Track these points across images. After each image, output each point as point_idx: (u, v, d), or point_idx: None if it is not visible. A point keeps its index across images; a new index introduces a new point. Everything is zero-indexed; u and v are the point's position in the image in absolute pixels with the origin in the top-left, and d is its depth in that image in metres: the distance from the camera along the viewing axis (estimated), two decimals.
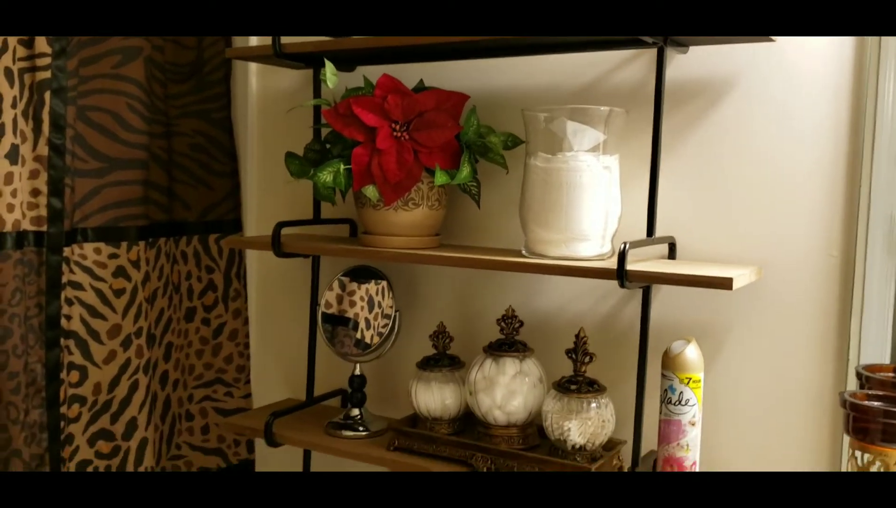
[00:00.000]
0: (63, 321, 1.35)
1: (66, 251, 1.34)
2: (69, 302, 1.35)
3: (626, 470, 1.17)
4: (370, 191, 1.22)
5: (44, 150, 1.29)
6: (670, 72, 1.19)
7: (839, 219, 1.11)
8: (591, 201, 1.12)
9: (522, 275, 1.34)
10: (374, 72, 1.30)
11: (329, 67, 1.21)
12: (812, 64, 1.12)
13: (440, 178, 1.19)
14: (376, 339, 1.37)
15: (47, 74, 1.28)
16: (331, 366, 1.51)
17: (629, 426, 1.18)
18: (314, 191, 1.27)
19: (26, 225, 1.28)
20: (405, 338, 1.43)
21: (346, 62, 1.40)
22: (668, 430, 1.10)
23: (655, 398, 1.14)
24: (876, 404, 0.97)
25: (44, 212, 1.30)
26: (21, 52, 1.26)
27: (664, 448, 1.10)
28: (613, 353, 1.27)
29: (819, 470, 1.14)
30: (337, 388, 1.51)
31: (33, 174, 1.29)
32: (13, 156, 1.25)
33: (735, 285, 1.00)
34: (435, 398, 1.27)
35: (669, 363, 1.10)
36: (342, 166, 1.22)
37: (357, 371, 1.40)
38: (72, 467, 1.37)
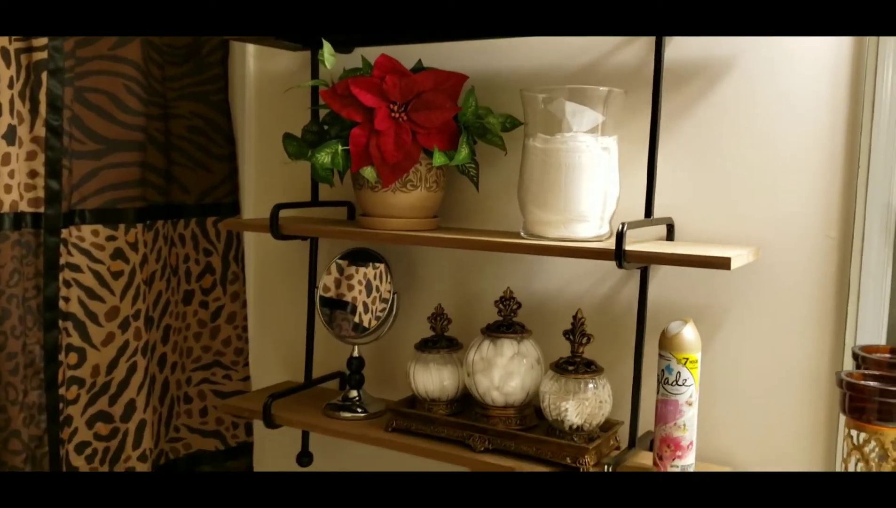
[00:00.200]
0: (61, 303, 1.35)
1: (64, 233, 1.34)
2: (67, 284, 1.35)
3: (622, 450, 1.17)
4: (368, 172, 1.22)
5: (41, 131, 1.29)
6: (669, 53, 1.18)
7: (837, 200, 1.11)
8: (589, 181, 1.12)
9: (521, 257, 1.35)
10: (372, 53, 1.29)
11: (327, 48, 1.21)
12: (811, 45, 1.11)
13: (438, 159, 1.19)
14: (374, 323, 1.37)
15: (44, 55, 1.28)
16: (329, 348, 1.51)
17: (626, 406, 1.19)
18: (312, 172, 1.26)
19: (24, 206, 1.28)
20: (403, 320, 1.43)
21: (343, 43, 1.39)
22: (665, 410, 1.10)
23: (653, 378, 1.15)
24: (872, 383, 0.98)
25: (41, 193, 1.30)
26: None
27: (661, 427, 1.11)
28: (611, 334, 1.27)
29: (815, 449, 1.15)
30: (335, 370, 1.52)
31: (30, 155, 1.29)
32: (10, 137, 1.24)
33: (733, 266, 1.00)
34: (433, 379, 1.27)
35: (667, 343, 1.10)
36: (340, 147, 1.22)
37: (355, 353, 1.40)
38: (70, 448, 1.38)
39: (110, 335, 1.40)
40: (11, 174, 1.24)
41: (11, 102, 1.25)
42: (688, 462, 1.11)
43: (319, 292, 1.41)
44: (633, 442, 1.17)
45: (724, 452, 1.20)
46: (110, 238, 1.39)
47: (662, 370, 1.10)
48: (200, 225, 1.56)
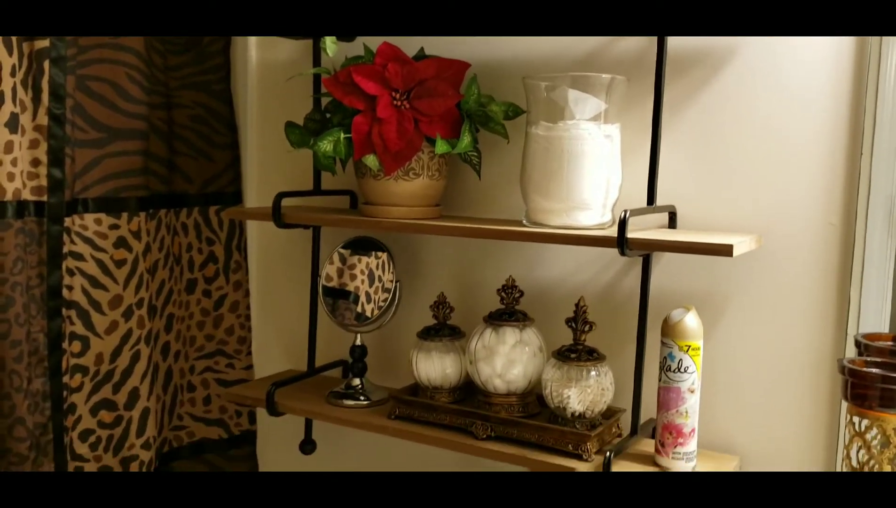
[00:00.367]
0: (64, 292, 1.35)
1: (67, 222, 1.34)
2: (70, 272, 1.35)
3: (624, 437, 1.17)
4: (370, 160, 1.22)
5: (43, 119, 1.29)
6: (672, 41, 1.18)
7: (840, 187, 1.11)
8: (592, 169, 1.12)
9: (523, 245, 1.35)
10: (374, 41, 1.29)
11: (329, 36, 1.21)
12: None
13: (441, 147, 1.19)
14: (377, 312, 1.38)
15: (46, 43, 1.28)
16: (332, 337, 1.52)
17: (628, 394, 1.19)
18: (314, 161, 1.27)
19: (27, 195, 1.28)
20: (406, 308, 1.43)
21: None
22: (668, 397, 1.11)
23: (655, 366, 1.15)
24: (874, 370, 0.98)
25: (44, 182, 1.30)
26: None
27: (663, 414, 1.11)
28: (613, 322, 1.27)
29: (817, 437, 1.15)
30: (338, 359, 1.52)
31: (33, 144, 1.29)
32: (13, 125, 1.24)
33: (735, 253, 1.00)
34: (435, 367, 1.28)
35: (669, 330, 1.10)
36: (342, 135, 1.22)
37: (358, 341, 1.41)
38: (75, 436, 1.39)
39: (114, 324, 1.40)
40: (14, 162, 1.25)
41: (14, 90, 1.25)
42: (690, 449, 1.11)
43: (322, 281, 1.42)
44: (635, 430, 1.17)
45: (725, 439, 1.21)
46: (113, 227, 1.39)
47: (664, 358, 1.11)
48: (203, 214, 1.56)
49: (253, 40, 1.56)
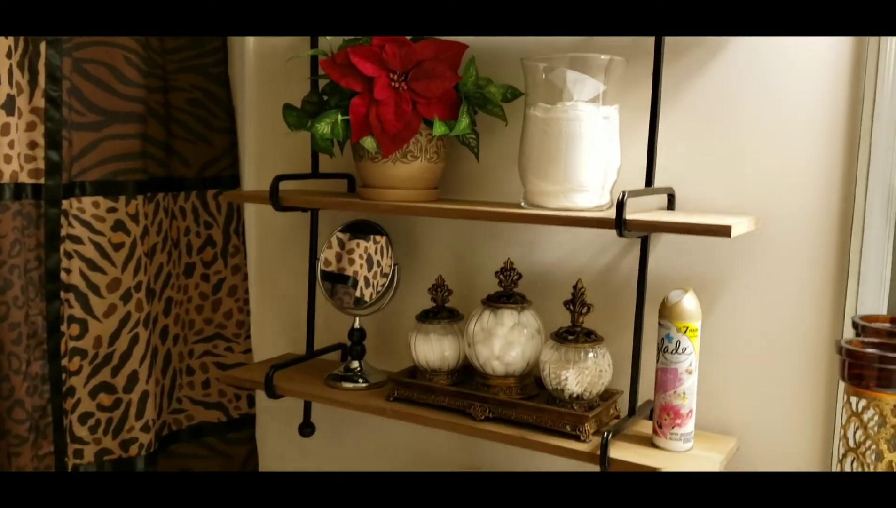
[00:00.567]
0: (62, 275, 1.35)
1: (65, 205, 1.34)
2: (68, 256, 1.35)
3: (622, 419, 1.18)
4: (368, 142, 1.21)
5: (40, 102, 1.29)
6: None
7: (838, 169, 1.11)
8: (590, 151, 1.12)
9: (521, 228, 1.35)
10: None
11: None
12: None
13: (438, 128, 1.19)
14: (375, 296, 1.38)
15: None
16: (330, 320, 1.52)
17: (626, 377, 1.19)
18: (312, 143, 1.26)
19: (24, 177, 1.28)
20: (404, 291, 1.43)
21: None
22: (665, 378, 1.11)
23: (653, 348, 1.15)
24: (871, 350, 0.98)
25: (41, 165, 1.30)
26: None
27: (661, 395, 1.11)
28: (611, 305, 1.27)
29: (815, 418, 1.16)
30: (336, 342, 1.52)
31: (30, 126, 1.28)
32: (9, 107, 1.24)
33: (733, 233, 1.00)
34: (434, 349, 1.28)
35: (667, 312, 1.10)
36: (340, 117, 1.21)
37: (356, 325, 1.41)
38: (74, 419, 1.39)
39: (112, 307, 1.40)
40: (11, 145, 1.24)
41: (10, 71, 1.24)
42: (687, 429, 1.11)
43: (321, 265, 1.42)
44: (632, 411, 1.17)
45: (723, 420, 1.21)
46: (111, 210, 1.39)
47: (662, 339, 1.11)
48: (201, 198, 1.56)
49: None
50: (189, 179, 1.54)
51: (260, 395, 1.64)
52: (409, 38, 1.24)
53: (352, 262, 1.40)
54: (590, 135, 1.11)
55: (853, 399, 1.01)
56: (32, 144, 1.29)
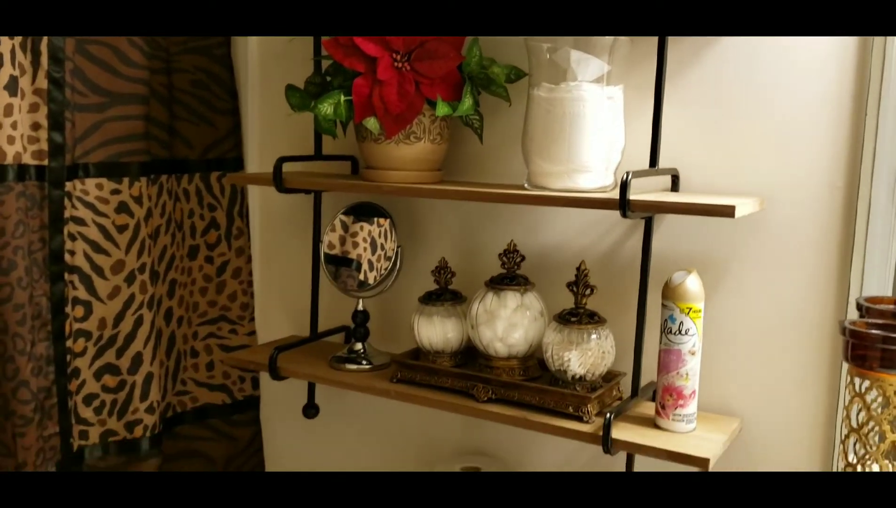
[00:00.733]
0: (66, 257, 1.35)
1: (68, 186, 1.34)
2: (72, 237, 1.36)
3: (625, 400, 1.18)
4: (371, 123, 1.21)
5: (43, 83, 1.28)
6: None
7: (844, 149, 1.10)
8: (593, 131, 1.11)
9: (524, 210, 1.34)
10: None
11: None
12: None
13: (441, 109, 1.18)
14: (378, 279, 1.38)
15: None
16: (334, 303, 1.52)
17: (630, 359, 1.19)
18: (315, 124, 1.26)
19: (27, 159, 1.28)
20: (407, 274, 1.43)
21: None
22: (668, 359, 1.11)
23: (656, 330, 1.15)
24: (875, 331, 0.98)
25: (45, 146, 1.30)
26: None
27: (664, 377, 1.11)
28: (615, 286, 1.27)
29: (818, 400, 1.15)
30: (340, 325, 1.52)
31: (33, 108, 1.28)
32: (12, 87, 1.24)
33: (737, 214, 0.99)
34: (437, 331, 1.28)
35: (670, 293, 1.10)
36: (342, 98, 1.21)
37: (360, 307, 1.41)
38: (79, 400, 1.40)
39: (116, 289, 1.41)
40: (14, 126, 1.24)
41: (13, 52, 1.24)
42: (690, 411, 1.11)
43: (324, 248, 1.42)
44: (635, 392, 1.17)
45: (726, 401, 1.21)
46: (114, 192, 1.39)
47: (665, 320, 1.11)
48: (204, 180, 1.55)
49: None
50: (192, 161, 1.53)
51: (264, 377, 1.64)
52: None
53: (355, 245, 1.40)
54: (594, 115, 1.11)
55: (856, 380, 1.00)
56: (36, 126, 1.29)
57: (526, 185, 1.18)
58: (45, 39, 1.28)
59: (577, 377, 1.16)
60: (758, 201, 1.11)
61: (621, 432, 1.10)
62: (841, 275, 1.12)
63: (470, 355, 1.30)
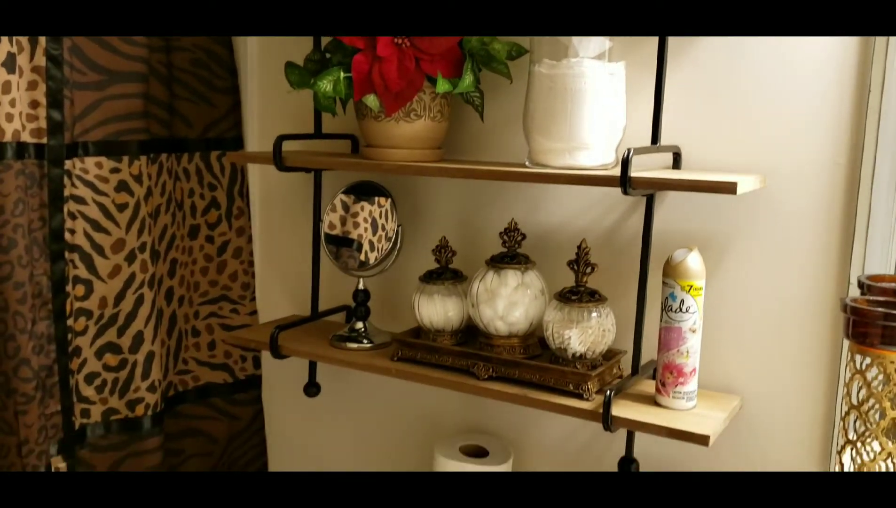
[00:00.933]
0: (67, 235, 1.35)
1: (68, 165, 1.34)
2: (72, 216, 1.35)
3: (625, 377, 1.18)
4: (371, 100, 1.20)
5: (41, 60, 1.28)
6: None
7: (846, 125, 1.10)
8: (595, 108, 1.10)
9: (525, 188, 1.34)
10: None
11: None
12: None
13: (442, 86, 1.18)
14: (379, 258, 1.37)
15: None
16: (335, 281, 1.52)
17: (630, 337, 1.19)
18: (314, 101, 1.25)
19: (26, 137, 1.27)
20: (408, 253, 1.43)
21: None
22: (669, 337, 1.11)
23: (658, 309, 1.14)
24: (877, 308, 0.97)
25: (43, 124, 1.29)
26: None
27: (664, 354, 1.11)
28: (616, 265, 1.27)
29: (818, 377, 1.15)
30: (341, 304, 1.52)
31: (31, 85, 1.28)
32: (10, 65, 1.23)
33: (739, 191, 0.99)
34: (437, 310, 1.28)
35: (671, 271, 1.10)
36: (342, 74, 1.20)
37: (361, 286, 1.41)
38: (80, 379, 1.40)
39: (116, 268, 1.40)
40: (13, 103, 1.24)
41: None
42: (690, 388, 1.11)
43: (325, 228, 1.41)
44: (636, 370, 1.17)
45: (727, 379, 1.21)
46: (114, 170, 1.39)
47: (666, 298, 1.10)
48: (204, 159, 1.55)
49: None
50: (192, 140, 1.53)
51: (266, 356, 1.64)
52: None
53: (356, 225, 1.40)
54: (595, 92, 1.10)
55: (857, 357, 1.00)
56: (34, 104, 1.28)
57: (527, 163, 1.17)
58: None
59: (578, 355, 1.16)
60: (760, 178, 1.11)
61: (621, 409, 1.10)
62: (842, 253, 1.12)
63: (470, 333, 1.30)
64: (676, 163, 1.19)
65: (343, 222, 1.41)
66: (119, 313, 1.42)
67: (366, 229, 1.39)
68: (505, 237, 1.25)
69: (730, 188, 0.99)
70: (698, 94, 1.18)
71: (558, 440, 1.38)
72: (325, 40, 1.31)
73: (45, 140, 1.30)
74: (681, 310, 1.09)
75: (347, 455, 1.62)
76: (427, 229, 1.44)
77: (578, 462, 1.36)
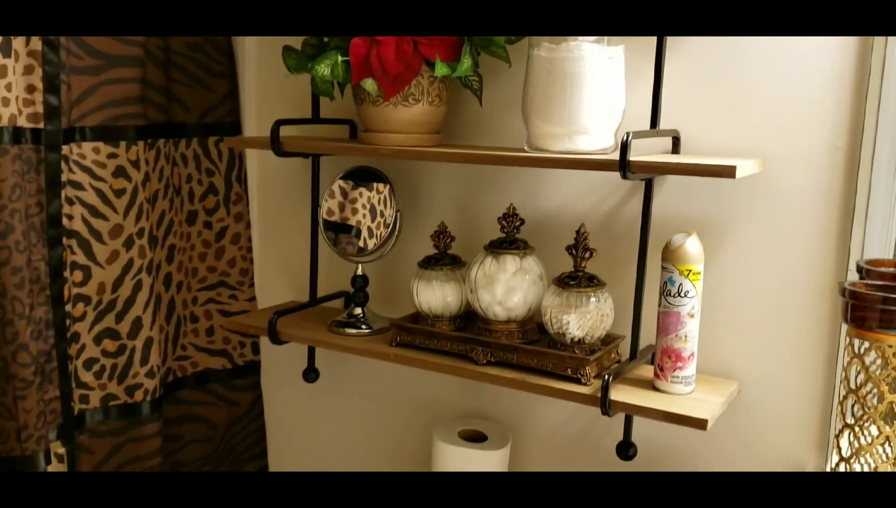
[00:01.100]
0: (64, 221, 1.35)
1: (65, 150, 1.33)
2: (70, 201, 1.35)
3: (623, 362, 1.18)
4: (369, 84, 1.20)
5: (37, 44, 1.27)
6: None
7: (846, 109, 1.09)
8: (594, 92, 1.10)
9: (524, 173, 1.33)
10: None
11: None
12: None
13: (440, 69, 1.17)
14: (378, 244, 1.37)
15: None
16: (333, 267, 1.52)
17: (628, 322, 1.19)
18: (312, 86, 1.24)
19: (23, 122, 1.27)
20: (406, 238, 1.43)
21: None
22: (667, 321, 1.10)
23: (656, 294, 1.14)
24: (875, 292, 0.97)
25: (40, 109, 1.29)
26: None
27: (662, 339, 1.11)
28: (615, 250, 1.26)
29: (817, 362, 1.15)
30: (339, 290, 1.52)
31: (27, 70, 1.27)
32: (6, 49, 1.22)
33: (738, 175, 0.98)
34: (436, 295, 1.28)
35: (669, 255, 1.10)
36: (340, 58, 1.19)
37: (359, 271, 1.41)
38: (79, 364, 1.40)
39: (114, 253, 1.40)
40: (9, 87, 1.23)
41: None
42: (688, 373, 1.11)
43: (323, 215, 1.41)
44: (634, 355, 1.17)
45: (725, 364, 1.21)
46: (111, 156, 1.38)
47: (665, 283, 1.10)
48: (202, 145, 1.54)
49: None
50: (189, 125, 1.52)
51: (265, 342, 1.64)
52: None
53: (355, 212, 1.39)
54: (594, 75, 1.10)
55: (856, 342, 1.00)
56: (31, 88, 1.27)
57: (526, 147, 1.17)
58: None
59: (576, 339, 1.16)
60: (759, 162, 1.10)
61: (619, 393, 1.11)
62: (841, 237, 1.12)
63: (469, 319, 1.30)
64: (675, 147, 1.19)
65: (342, 208, 1.40)
66: (117, 299, 1.42)
67: (364, 216, 1.39)
68: (503, 223, 1.25)
69: (729, 172, 0.98)
70: (697, 78, 1.18)
71: (557, 424, 1.38)
72: None
73: (41, 125, 1.29)
74: (679, 294, 1.09)
75: (346, 440, 1.62)
76: (425, 214, 1.43)
77: (577, 446, 1.36)
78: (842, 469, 1.04)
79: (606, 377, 1.09)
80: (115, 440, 1.45)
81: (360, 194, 1.39)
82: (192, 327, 1.59)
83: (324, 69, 1.20)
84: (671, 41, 1.16)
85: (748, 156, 1.14)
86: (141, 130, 1.41)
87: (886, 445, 1.01)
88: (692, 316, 1.10)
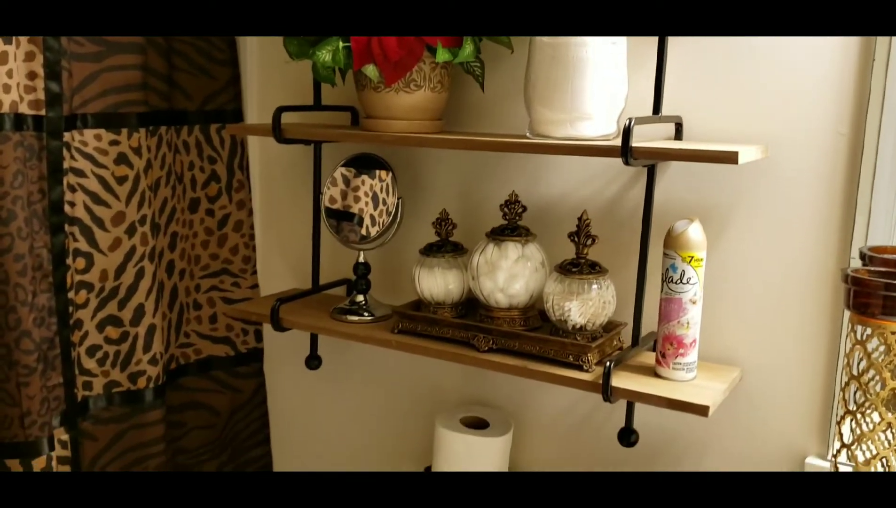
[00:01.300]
0: (66, 208, 1.35)
1: (67, 137, 1.33)
2: (72, 189, 1.35)
3: (625, 349, 1.18)
4: (370, 70, 1.19)
5: None
6: None
7: (850, 95, 1.08)
8: (597, 77, 1.09)
9: (526, 160, 1.33)
10: None
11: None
12: None
13: (442, 55, 1.16)
14: (380, 232, 1.37)
15: None
16: (335, 255, 1.52)
17: (630, 310, 1.19)
18: (314, 72, 1.24)
19: (24, 108, 1.27)
20: (408, 225, 1.42)
21: None
22: (669, 308, 1.10)
23: (658, 281, 1.14)
24: (878, 279, 0.97)
25: (41, 96, 1.29)
26: None
27: (664, 326, 1.11)
28: (617, 237, 1.26)
29: (819, 349, 1.15)
30: (342, 278, 1.52)
31: (29, 56, 1.27)
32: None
33: (741, 161, 0.98)
34: (438, 283, 1.28)
35: (672, 242, 1.09)
36: (341, 44, 1.19)
37: (361, 259, 1.41)
38: (82, 351, 1.40)
39: (117, 241, 1.40)
40: (10, 74, 1.23)
41: None
42: (690, 359, 1.11)
43: (325, 202, 1.41)
44: (636, 342, 1.17)
45: (727, 351, 1.21)
46: (113, 143, 1.38)
47: (667, 269, 1.10)
48: (204, 132, 1.54)
49: None
50: (191, 112, 1.52)
51: (267, 330, 1.65)
52: None
53: (357, 200, 1.39)
54: (597, 61, 1.09)
55: (858, 328, 1.00)
56: (32, 75, 1.27)
57: (528, 134, 1.16)
58: None
59: (578, 326, 1.16)
60: (762, 148, 1.10)
61: (621, 380, 1.11)
62: (844, 223, 1.11)
63: (471, 306, 1.30)
64: (678, 133, 1.18)
65: (344, 196, 1.40)
66: (120, 286, 1.42)
67: (366, 204, 1.39)
68: (505, 210, 1.25)
69: (731, 158, 0.98)
70: (700, 63, 1.17)
71: (558, 411, 1.38)
72: None
73: (43, 112, 1.29)
74: (681, 281, 1.09)
75: (349, 427, 1.63)
76: (427, 201, 1.43)
77: (578, 433, 1.37)
78: (843, 455, 1.03)
79: (608, 363, 1.09)
80: (119, 426, 1.46)
81: (363, 182, 1.39)
82: (195, 314, 1.59)
83: (325, 55, 1.19)
84: None
85: (751, 142, 1.13)
86: (143, 118, 1.41)
87: (888, 432, 1.01)
88: (694, 303, 1.10)
